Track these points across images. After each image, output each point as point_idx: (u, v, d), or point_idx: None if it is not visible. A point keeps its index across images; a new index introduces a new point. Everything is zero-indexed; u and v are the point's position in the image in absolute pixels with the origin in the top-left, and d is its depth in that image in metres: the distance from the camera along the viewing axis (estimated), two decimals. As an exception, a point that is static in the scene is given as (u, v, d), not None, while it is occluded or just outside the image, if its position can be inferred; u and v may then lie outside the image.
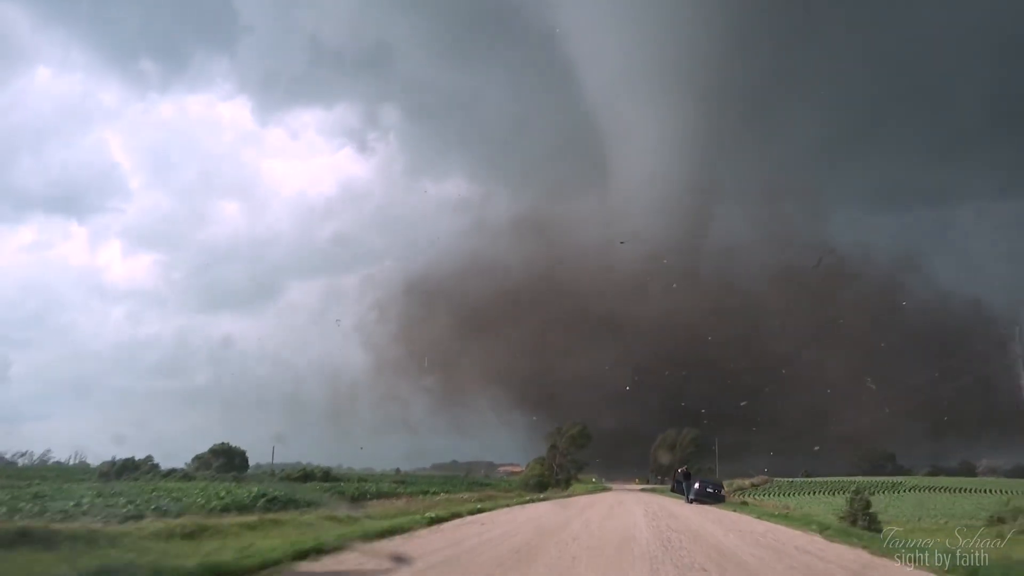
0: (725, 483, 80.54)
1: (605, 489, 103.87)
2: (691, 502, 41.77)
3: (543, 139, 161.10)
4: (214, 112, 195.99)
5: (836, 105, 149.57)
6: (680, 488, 45.84)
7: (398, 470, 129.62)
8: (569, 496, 49.53)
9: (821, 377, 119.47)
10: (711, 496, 43.20)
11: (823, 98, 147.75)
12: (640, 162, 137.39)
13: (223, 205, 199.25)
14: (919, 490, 65.20)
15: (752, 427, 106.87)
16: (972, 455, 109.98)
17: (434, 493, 48.23)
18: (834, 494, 63.42)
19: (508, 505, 33.58)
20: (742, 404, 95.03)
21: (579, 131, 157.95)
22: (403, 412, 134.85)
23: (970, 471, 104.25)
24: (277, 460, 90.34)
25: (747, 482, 70.61)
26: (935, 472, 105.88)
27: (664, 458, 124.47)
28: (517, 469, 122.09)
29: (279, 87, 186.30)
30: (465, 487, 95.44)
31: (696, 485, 43.66)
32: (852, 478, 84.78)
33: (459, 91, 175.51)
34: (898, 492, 63.94)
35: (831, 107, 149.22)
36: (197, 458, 74.83)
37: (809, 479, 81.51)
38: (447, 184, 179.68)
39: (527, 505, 36.01)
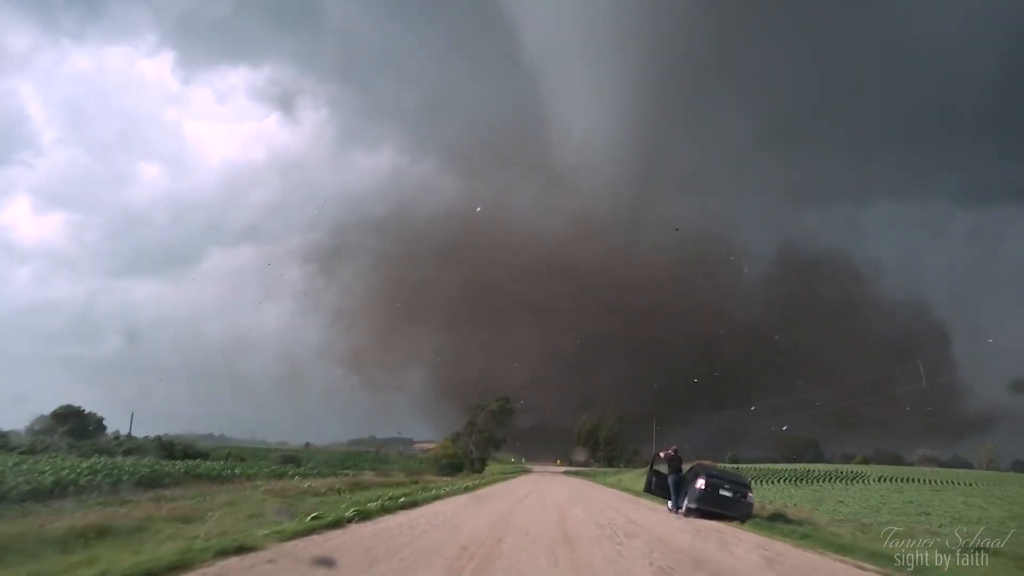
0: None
1: (525, 471, 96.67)
2: (682, 513, 21.87)
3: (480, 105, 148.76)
4: (135, 67, 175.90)
5: (767, 102, 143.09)
6: (661, 485, 23.87)
7: (307, 444, 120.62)
8: (477, 486, 38.71)
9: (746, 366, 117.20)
10: (730, 506, 20.96)
11: (756, 94, 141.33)
12: (579, 142, 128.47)
13: (143, 166, 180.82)
14: (887, 481, 56.98)
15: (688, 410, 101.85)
16: (890, 445, 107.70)
17: (299, 475, 37.02)
18: (784, 483, 54.86)
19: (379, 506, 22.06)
20: (695, 381, 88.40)
21: (519, 96, 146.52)
22: (323, 386, 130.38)
23: (898, 460, 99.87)
24: (169, 430, 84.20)
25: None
26: (865, 461, 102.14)
27: (583, 444, 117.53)
28: (433, 446, 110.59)
29: (203, 41, 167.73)
30: (369, 464, 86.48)
31: (700, 483, 21.22)
32: (783, 465, 77.74)
33: (393, 50, 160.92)
34: (864, 482, 55.44)
35: (762, 103, 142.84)
36: (39, 422, 60.47)
37: (737, 465, 72.94)
38: (380, 154, 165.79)
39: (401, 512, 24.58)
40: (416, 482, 39.32)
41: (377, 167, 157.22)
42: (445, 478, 59.64)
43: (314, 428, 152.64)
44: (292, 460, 71.51)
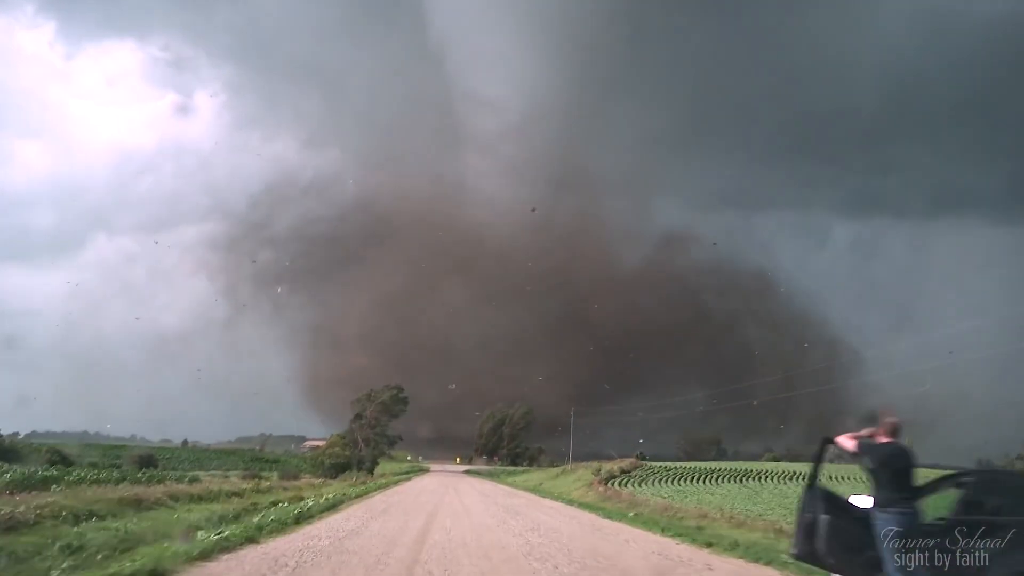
0: (583, 465, 63.86)
1: (422, 470, 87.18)
2: None
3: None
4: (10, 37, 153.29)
5: (673, 104, 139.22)
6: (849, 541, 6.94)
7: (185, 441, 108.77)
8: (365, 494, 28.36)
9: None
10: None
11: (663, 96, 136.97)
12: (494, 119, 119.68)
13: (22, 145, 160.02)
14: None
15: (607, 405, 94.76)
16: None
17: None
18: (737, 481, 47.24)
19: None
20: (606, 387, 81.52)
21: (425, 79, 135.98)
22: (214, 378, 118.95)
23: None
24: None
25: (613, 466, 52.55)
26: (776, 459, 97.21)
27: (487, 440, 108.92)
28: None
29: (88, 13, 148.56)
30: (244, 464, 74.82)
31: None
32: (698, 463, 70.97)
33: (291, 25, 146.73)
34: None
35: (669, 106, 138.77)
36: None
37: (689, 464, 65.25)
38: (277, 141, 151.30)
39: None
40: (266, 490, 28.39)
41: (275, 155, 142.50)
42: (328, 482, 49.02)
43: (202, 424, 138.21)
44: (147, 461, 59.25)
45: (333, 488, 33.84)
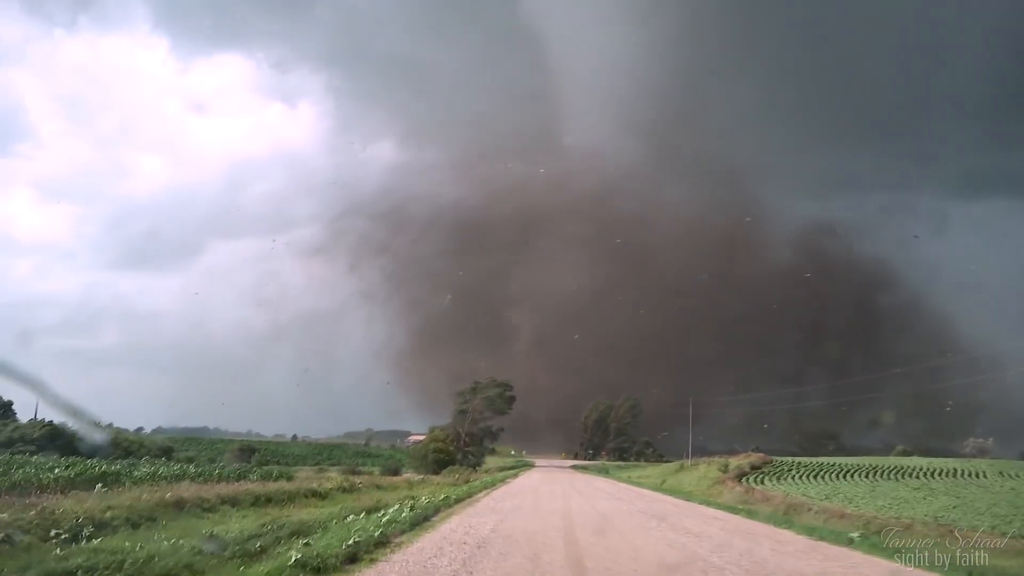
0: (702, 461, 57.98)
1: (527, 466, 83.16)
2: None
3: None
4: (130, 56, 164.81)
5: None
6: None
7: (295, 436, 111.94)
8: (469, 495, 23.88)
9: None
10: None
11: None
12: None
13: (144, 159, 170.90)
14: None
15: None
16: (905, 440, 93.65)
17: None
18: (885, 478, 40.59)
19: None
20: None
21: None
22: (324, 377, 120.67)
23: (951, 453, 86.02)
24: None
25: (741, 462, 46.54)
26: (907, 453, 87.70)
27: (591, 435, 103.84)
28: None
29: (198, 29, 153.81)
30: (348, 459, 72.92)
31: None
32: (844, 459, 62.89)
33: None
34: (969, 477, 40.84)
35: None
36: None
37: (817, 459, 58.09)
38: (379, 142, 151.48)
39: None
40: (351, 489, 24.42)
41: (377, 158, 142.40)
42: (430, 478, 45.46)
43: (315, 419, 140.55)
44: (246, 456, 57.84)
45: (431, 487, 29.77)
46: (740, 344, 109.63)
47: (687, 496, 31.15)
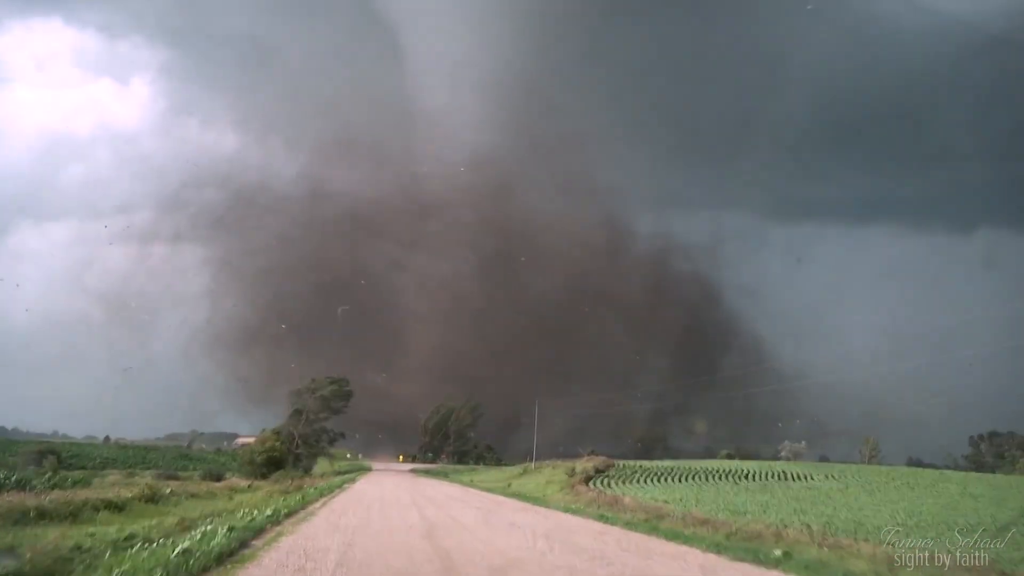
0: (546, 464, 56.89)
1: (365, 469, 78.95)
2: None
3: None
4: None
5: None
6: None
7: (107, 438, 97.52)
8: (303, 506, 20.02)
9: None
10: None
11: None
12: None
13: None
14: (798, 478, 43.96)
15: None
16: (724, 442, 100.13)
17: None
18: (724, 480, 40.90)
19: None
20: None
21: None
22: (145, 374, 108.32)
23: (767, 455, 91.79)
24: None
25: (587, 465, 45.53)
26: (730, 456, 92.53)
27: (431, 438, 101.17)
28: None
29: None
30: (167, 463, 65.66)
31: None
32: (659, 462, 64.59)
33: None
34: (775, 479, 42.15)
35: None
36: None
37: (656, 463, 58.61)
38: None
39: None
40: (156, 499, 20.13)
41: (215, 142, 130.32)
42: (257, 484, 40.71)
43: (133, 420, 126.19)
44: (40, 459, 49.98)
45: (258, 496, 25.63)
46: (576, 351, 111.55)
47: (543, 502, 29.15)
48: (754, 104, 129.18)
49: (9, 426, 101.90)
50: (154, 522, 14.18)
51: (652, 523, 19.22)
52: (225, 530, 11.99)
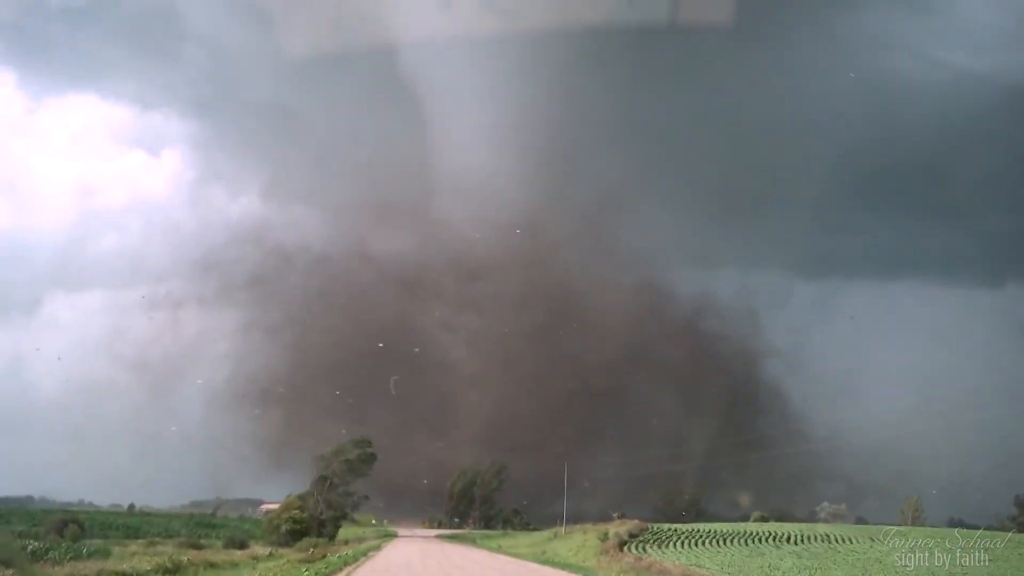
0: (577, 528, 55.04)
1: (390, 535, 77.25)
2: None
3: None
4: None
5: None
6: None
7: (132, 506, 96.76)
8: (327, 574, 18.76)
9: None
10: None
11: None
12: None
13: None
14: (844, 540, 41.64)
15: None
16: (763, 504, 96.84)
17: None
18: (765, 542, 38.96)
19: None
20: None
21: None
22: (169, 442, 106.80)
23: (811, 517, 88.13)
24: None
25: (621, 529, 43.58)
26: (764, 519, 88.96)
27: (456, 503, 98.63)
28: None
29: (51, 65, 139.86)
30: (191, 529, 64.67)
31: None
32: (736, 524, 61.86)
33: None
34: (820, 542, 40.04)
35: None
36: None
37: (690, 526, 56.24)
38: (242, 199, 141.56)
39: None
40: (176, 571, 19.18)
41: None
42: (279, 551, 39.44)
43: (157, 488, 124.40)
44: (59, 527, 49.21)
45: (278, 565, 24.40)
46: (609, 414, 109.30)
47: (580, 569, 27.56)
48: (779, 160, 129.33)
49: (37, 495, 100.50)
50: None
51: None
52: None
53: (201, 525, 72.30)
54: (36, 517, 61.15)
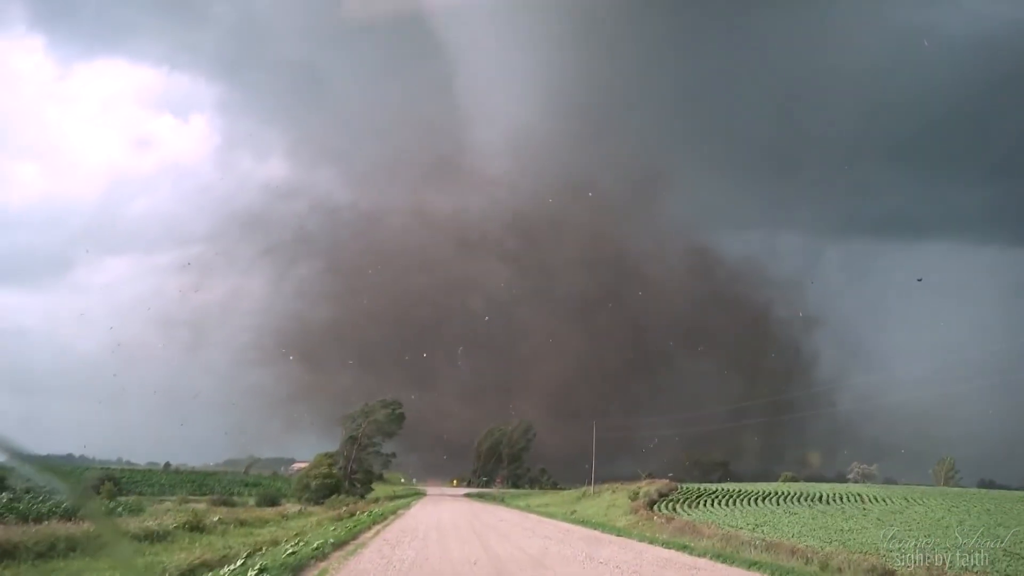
0: (605, 488, 54.66)
1: (419, 494, 77.57)
2: None
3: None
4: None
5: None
6: None
7: (167, 464, 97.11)
8: (354, 536, 18.04)
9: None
10: None
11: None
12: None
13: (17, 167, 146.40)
14: (878, 500, 40.48)
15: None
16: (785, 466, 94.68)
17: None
18: (797, 503, 37.87)
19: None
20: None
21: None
22: (206, 402, 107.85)
23: (840, 478, 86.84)
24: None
25: (650, 488, 42.84)
26: (793, 479, 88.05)
27: (484, 461, 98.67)
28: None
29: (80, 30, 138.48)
30: (225, 487, 65.28)
31: None
32: (765, 484, 61.05)
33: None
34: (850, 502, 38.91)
35: None
36: None
37: (720, 485, 55.61)
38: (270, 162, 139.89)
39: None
40: (200, 528, 18.65)
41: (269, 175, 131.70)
42: (309, 510, 39.33)
43: (196, 446, 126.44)
44: (96, 485, 49.64)
45: (309, 521, 24.04)
46: (634, 372, 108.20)
47: (614, 530, 26.80)
48: (809, 119, 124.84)
49: (77, 453, 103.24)
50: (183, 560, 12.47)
51: (733, 553, 16.91)
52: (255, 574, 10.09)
53: (235, 483, 73.17)
54: (76, 474, 62.11)
